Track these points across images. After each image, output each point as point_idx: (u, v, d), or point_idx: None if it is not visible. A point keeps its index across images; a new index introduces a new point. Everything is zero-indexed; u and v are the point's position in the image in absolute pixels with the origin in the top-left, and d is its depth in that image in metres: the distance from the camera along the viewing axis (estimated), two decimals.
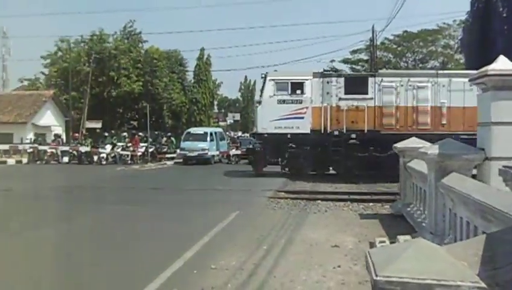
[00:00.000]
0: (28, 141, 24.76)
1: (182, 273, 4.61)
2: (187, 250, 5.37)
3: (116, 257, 5.35)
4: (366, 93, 14.59)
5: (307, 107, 14.61)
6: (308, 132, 14.55)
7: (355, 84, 14.82)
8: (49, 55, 36.02)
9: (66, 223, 7.45)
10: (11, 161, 22.29)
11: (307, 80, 14.77)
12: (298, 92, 14.75)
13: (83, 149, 22.00)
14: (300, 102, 14.71)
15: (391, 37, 36.76)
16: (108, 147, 22.08)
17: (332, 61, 36.62)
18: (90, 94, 32.95)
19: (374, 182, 12.98)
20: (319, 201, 9.50)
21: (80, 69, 33.42)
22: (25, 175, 17.20)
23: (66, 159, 22.39)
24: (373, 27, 27.36)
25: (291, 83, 14.84)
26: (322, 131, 14.52)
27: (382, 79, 14.72)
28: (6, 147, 23.57)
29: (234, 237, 6.22)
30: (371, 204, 9.14)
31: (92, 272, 4.77)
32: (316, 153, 14.86)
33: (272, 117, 14.62)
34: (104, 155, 21.63)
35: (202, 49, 40.82)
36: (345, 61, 37.58)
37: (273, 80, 14.99)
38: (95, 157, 21.33)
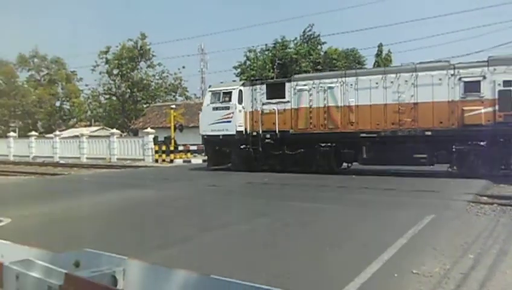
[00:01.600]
0: None
1: (381, 275, 4.50)
2: (383, 251, 5.22)
3: (315, 254, 5.56)
4: (284, 97, 15.94)
5: (233, 112, 16.68)
6: (234, 133, 16.63)
7: (275, 90, 16.26)
8: (240, 65, 40.13)
9: (262, 218, 8.13)
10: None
11: (234, 89, 17.02)
12: (227, 99, 16.87)
13: None
14: (228, 108, 16.83)
15: None
16: None
17: None
18: None
19: None
20: None
21: (266, 76, 36.22)
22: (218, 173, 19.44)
23: None
24: None
25: (223, 92, 17.16)
26: (244, 132, 16.70)
27: (297, 83, 15.86)
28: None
29: (433, 242, 5.78)
30: None
31: (291, 268, 5.06)
32: (241, 151, 16.79)
33: (209, 121, 17.21)
34: None
35: (380, 45, 39.50)
36: None
37: (210, 91, 17.89)
38: None
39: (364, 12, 74.75)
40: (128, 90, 43.67)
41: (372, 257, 5.02)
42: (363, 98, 14.49)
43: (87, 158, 29.87)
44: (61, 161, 29.59)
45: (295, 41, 39.60)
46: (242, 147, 16.74)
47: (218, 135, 17.00)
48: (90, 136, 32.73)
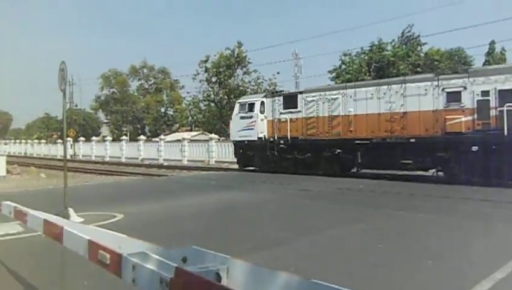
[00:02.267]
0: None
1: None
2: (496, 270, 4.75)
3: (415, 267, 5.26)
4: (296, 108, 17.94)
5: (255, 121, 19.26)
6: (256, 139, 19.27)
7: (290, 101, 18.26)
8: (335, 69, 39.62)
9: (358, 224, 7.89)
10: None
11: (256, 101, 19.63)
12: (251, 110, 19.50)
13: None
14: (251, 117, 19.39)
15: None
16: None
17: None
18: None
19: None
20: None
21: (361, 79, 35.25)
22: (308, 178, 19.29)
23: None
24: None
25: (248, 104, 19.82)
26: (263, 138, 19.14)
27: (307, 95, 17.74)
28: None
29: None
30: None
31: (390, 279, 4.84)
32: (262, 154, 19.16)
33: (237, 129, 20.12)
34: None
35: (492, 43, 36.15)
36: None
37: (238, 102, 20.78)
38: None
39: (471, 7, 69.00)
40: (226, 97, 45.51)
41: (482, 274, 4.60)
42: (360, 108, 15.99)
43: (187, 161, 31.76)
44: (165, 163, 31.86)
45: (393, 43, 37.96)
46: (263, 151, 19.10)
47: (244, 141, 19.90)
48: (191, 140, 34.78)
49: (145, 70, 60.08)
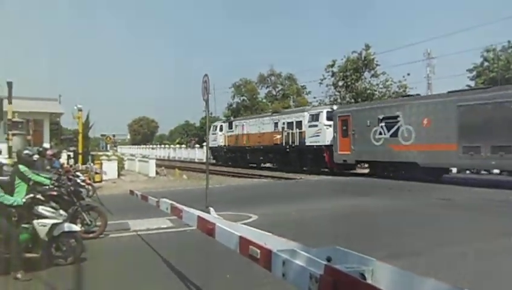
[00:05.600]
0: None
1: None
2: None
3: None
4: (232, 128, 35.27)
5: (216, 136, 36.69)
6: (217, 146, 36.56)
7: (230, 125, 35.94)
8: (475, 67, 35.90)
9: (508, 239, 7.14)
10: None
11: (218, 124, 37.93)
12: (216, 129, 37.27)
13: None
14: (216, 134, 36.79)
15: None
16: None
17: None
18: None
19: None
20: None
21: (509, 77, 31.29)
22: (449, 187, 17.74)
23: None
24: None
25: (215, 126, 37.64)
26: (220, 146, 36.51)
27: (236, 122, 35.36)
28: None
29: None
30: None
31: None
32: (222, 154, 36.93)
33: (211, 140, 35.50)
34: None
35: None
36: None
37: (213, 125, 37.32)
38: None
39: None
40: (353, 100, 44.57)
41: None
42: (252, 130, 32.16)
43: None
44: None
45: None
46: (219, 152, 36.68)
47: (213, 147, 35.78)
48: None
49: (272, 78, 62.26)
